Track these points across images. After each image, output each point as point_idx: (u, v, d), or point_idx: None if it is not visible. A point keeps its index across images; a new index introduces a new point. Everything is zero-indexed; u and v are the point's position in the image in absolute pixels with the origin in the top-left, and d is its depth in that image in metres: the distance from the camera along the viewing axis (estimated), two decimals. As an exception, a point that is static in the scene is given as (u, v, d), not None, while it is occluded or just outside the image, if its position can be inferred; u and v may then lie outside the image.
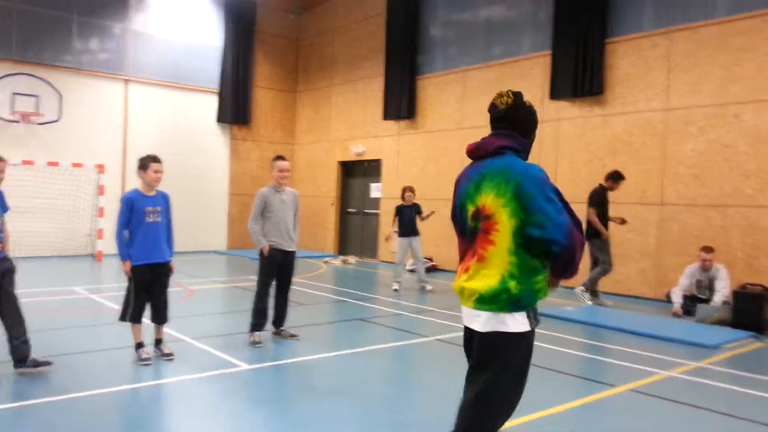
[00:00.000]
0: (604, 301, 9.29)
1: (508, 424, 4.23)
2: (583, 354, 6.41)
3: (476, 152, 2.82)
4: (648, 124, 10.05)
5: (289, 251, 6.51)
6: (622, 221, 9.50)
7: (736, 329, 7.56)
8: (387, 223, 14.97)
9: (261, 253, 6.39)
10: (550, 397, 4.85)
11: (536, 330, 2.74)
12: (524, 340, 2.68)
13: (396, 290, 10.17)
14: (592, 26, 10.61)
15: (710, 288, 8.56)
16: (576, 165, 11.01)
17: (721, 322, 7.89)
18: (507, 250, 2.62)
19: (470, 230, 2.76)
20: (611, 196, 9.36)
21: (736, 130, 9.05)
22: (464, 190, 2.81)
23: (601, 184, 9.32)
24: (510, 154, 2.74)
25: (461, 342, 2.95)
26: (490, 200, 2.65)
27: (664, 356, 6.28)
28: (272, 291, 6.55)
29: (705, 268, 8.58)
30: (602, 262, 9.15)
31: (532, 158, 10.99)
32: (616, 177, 9.25)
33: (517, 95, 2.80)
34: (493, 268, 2.64)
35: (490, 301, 2.64)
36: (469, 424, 2.72)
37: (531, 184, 2.58)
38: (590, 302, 9.22)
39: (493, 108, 2.82)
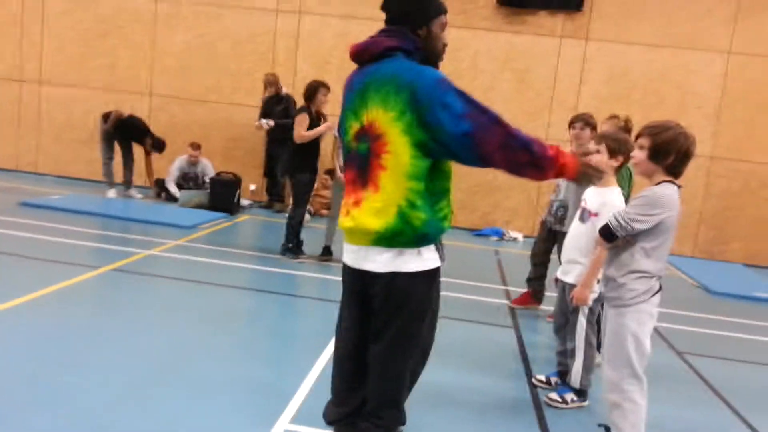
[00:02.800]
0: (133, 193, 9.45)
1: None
2: (65, 240, 6.42)
3: (361, 56, 2.36)
4: (137, 11, 10.09)
5: None
6: None
7: (212, 211, 8.65)
8: None
9: None
10: (30, 283, 4.81)
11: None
12: (433, 279, 2.36)
13: None
14: None
15: (196, 179, 9.44)
16: (63, 43, 10.33)
17: (200, 206, 8.88)
18: (403, 175, 2.20)
19: (356, 153, 2.32)
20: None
21: (218, 30, 9.92)
22: (348, 102, 2.37)
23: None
24: (400, 55, 2.28)
25: None
26: (379, 115, 2.23)
27: (146, 237, 6.81)
28: None
29: (192, 162, 9.41)
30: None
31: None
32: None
33: None
34: (389, 200, 2.22)
35: (390, 239, 2.25)
36: (388, 385, 2.40)
37: (424, 90, 2.16)
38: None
39: None
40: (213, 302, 5.03)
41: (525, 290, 5.69)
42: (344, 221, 2.38)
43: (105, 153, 9.21)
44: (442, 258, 2.36)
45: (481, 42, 9.46)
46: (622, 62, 9.34)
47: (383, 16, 2.42)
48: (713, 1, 9.09)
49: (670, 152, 2.72)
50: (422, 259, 2.29)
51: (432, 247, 2.31)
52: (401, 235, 2.24)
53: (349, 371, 2.50)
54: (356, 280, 2.40)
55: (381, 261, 2.30)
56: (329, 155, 6.59)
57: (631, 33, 9.27)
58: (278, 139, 8.44)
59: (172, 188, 9.30)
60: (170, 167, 9.45)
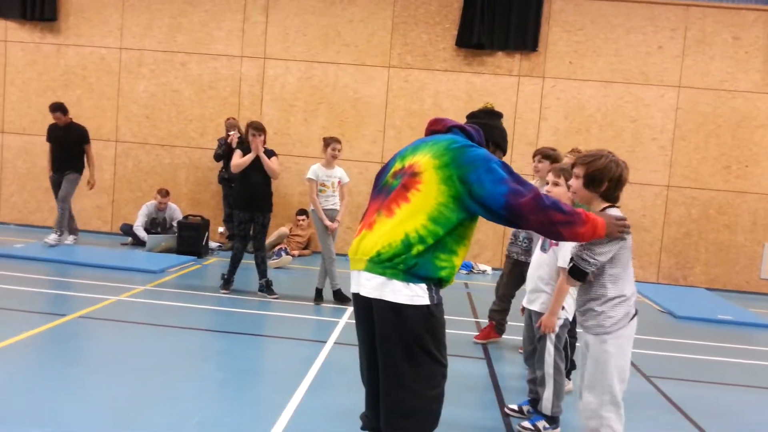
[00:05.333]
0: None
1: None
2: (31, 289, 6.32)
3: (434, 125, 2.74)
4: (103, 60, 10.15)
5: None
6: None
7: (180, 255, 8.59)
8: None
9: None
10: (-6, 334, 4.72)
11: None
12: (424, 317, 2.40)
13: None
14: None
15: (164, 224, 9.38)
16: (27, 93, 10.31)
17: (168, 250, 8.81)
18: (425, 213, 2.38)
19: (387, 188, 2.56)
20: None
21: (182, 77, 10.01)
22: (400, 152, 2.69)
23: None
24: (461, 135, 2.64)
25: None
26: (423, 160, 2.47)
27: (114, 283, 6.72)
28: None
29: (160, 208, 9.39)
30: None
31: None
32: None
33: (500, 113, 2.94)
34: (401, 225, 2.39)
35: (385, 261, 2.37)
36: (391, 418, 2.47)
37: (472, 156, 2.44)
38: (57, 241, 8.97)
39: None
40: (182, 345, 4.98)
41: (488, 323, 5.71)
42: (353, 243, 2.55)
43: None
44: (434, 300, 2.42)
45: (441, 83, 9.72)
46: (578, 98, 9.67)
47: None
48: (662, 38, 9.51)
49: (603, 179, 2.84)
50: (411, 294, 2.37)
51: (423, 285, 2.39)
52: (396, 259, 2.36)
53: (369, 394, 2.66)
54: (359, 305, 2.53)
55: (370, 286, 2.41)
56: (307, 197, 6.62)
57: (585, 70, 9.62)
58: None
59: (141, 233, 9.19)
60: (138, 212, 9.39)
